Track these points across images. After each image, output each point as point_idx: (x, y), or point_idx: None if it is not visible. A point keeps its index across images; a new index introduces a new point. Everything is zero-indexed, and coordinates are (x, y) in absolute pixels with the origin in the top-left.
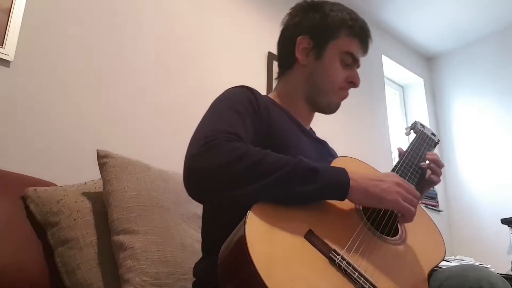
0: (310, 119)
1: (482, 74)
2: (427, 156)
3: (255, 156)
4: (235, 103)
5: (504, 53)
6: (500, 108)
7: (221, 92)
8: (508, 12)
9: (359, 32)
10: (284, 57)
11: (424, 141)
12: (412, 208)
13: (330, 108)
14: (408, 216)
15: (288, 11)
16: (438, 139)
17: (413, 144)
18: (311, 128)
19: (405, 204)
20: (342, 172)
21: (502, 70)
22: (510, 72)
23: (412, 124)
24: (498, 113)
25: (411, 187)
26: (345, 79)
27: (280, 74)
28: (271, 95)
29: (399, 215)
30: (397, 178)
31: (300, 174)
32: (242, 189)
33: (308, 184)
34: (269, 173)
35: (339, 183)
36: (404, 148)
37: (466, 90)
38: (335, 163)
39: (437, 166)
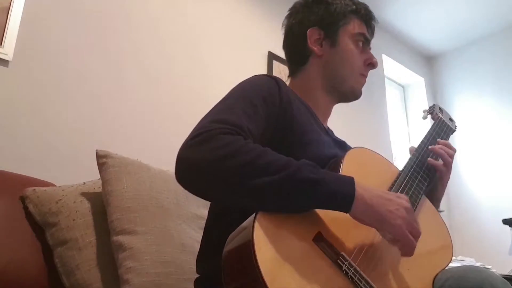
0: (328, 113)
1: (483, 74)
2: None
3: (247, 156)
4: (253, 93)
5: (505, 53)
6: (501, 107)
7: (221, 93)
8: (508, 11)
9: (365, 15)
10: (296, 53)
11: (442, 130)
12: (415, 241)
13: (354, 94)
14: (409, 249)
15: (288, 12)
16: (456, 126)
17: (428, 137)
18: (328, 127)
19: (409, 234)
20: (348, 183)
21: (503, 70)
22: (511, 71)
23: (430, 107)
24: (499, 112)
25: (417, 221)
26: (364, 62)
27: (294, 71)
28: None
29: (398, 246)
30: (407, 202)
31: (295, 183)
32: (226, 189)
33: (302, 195)
34: (258, 176)
35: (341, 196)
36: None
37: (467, 89)
38: (348, 155)
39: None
